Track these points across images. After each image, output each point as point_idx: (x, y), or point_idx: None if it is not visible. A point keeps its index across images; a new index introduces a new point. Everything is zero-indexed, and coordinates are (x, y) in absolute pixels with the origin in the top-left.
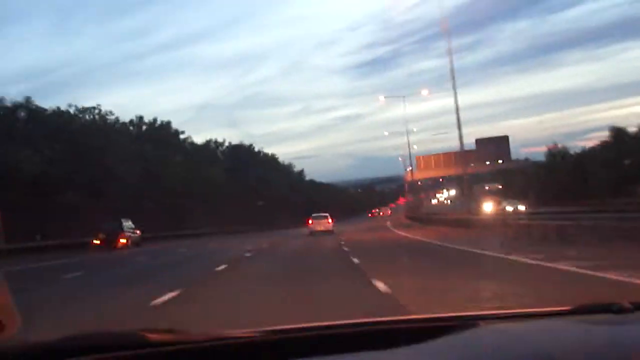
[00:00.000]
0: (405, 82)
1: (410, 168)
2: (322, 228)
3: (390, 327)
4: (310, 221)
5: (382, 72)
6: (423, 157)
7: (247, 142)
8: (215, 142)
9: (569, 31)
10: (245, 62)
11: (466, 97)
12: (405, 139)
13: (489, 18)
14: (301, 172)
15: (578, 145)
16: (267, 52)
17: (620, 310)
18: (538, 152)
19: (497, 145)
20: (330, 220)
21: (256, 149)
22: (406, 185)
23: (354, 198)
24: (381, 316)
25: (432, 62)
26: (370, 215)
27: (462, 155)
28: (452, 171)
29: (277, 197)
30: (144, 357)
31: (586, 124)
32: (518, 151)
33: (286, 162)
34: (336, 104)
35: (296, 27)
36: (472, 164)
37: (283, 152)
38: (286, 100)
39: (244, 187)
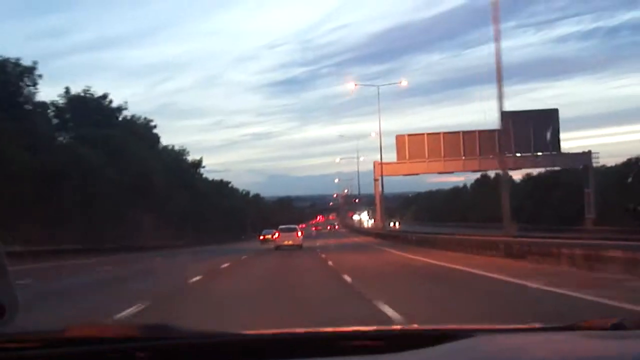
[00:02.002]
0: (319, 104)
1: (380, 163)
2: (290, 242)
3: (388, 335)
4: (277, 234)
5: (297, 93)
6: (409, 137)
7: None
8: None
9: (479, 67)
10: (162, 71)
11: (376, 125)
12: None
13: (404, 48)
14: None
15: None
16: (185, 62)
17: (616, 327)
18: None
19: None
20: (299, 234)
21: None
22: (340, 201)
23: (274, 214)
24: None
25: (346, 87)
26: (314, 229)
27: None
28: (461, 165)
29: (204, 209)
30: (138, 349)
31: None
32: (427, 180)
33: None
34: (249, 121)
35: (216, 41)
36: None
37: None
38: (199, 113)
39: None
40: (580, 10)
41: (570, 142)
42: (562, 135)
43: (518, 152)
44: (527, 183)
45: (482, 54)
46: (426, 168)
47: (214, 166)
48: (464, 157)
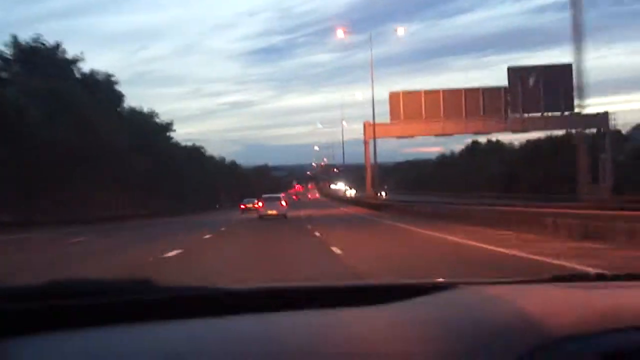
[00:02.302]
0: (298, 73)
1: (372, 123)
2: (274, 211)
3: (370, 287)
4: (260, 203)
5: (275, 61)
6: (404, 94)
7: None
8: None
9: (457, 37)
10: (138, 39)
11: (354, 94)
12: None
13: (383, 17)
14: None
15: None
16: (162, 30)
17: (600, 277)
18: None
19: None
20: (283, 203)
21: None
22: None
23: (251, 182)
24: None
25: (325, 56)
26: (295, 198)
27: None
28: (462, 126)
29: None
30: (122, 304)
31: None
32: (402, 150)
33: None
34: (227, 89)
35: (194, 8)
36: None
37: (181, 137)
38: (177, 81)
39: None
40: None
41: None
42: None
43: (526, 112)
44: (526, 149)
45: (459, 23)
46: (423, 129)
47: (191, 135)
48: (465, 118)
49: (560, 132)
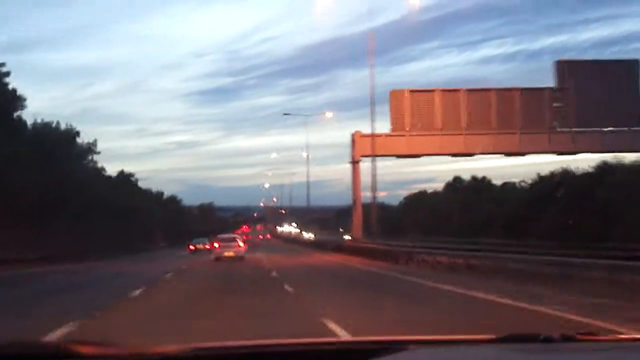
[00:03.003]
0: (246, 116)
1: (370, 134)
2: (231, 253)
3: (321, 348)
4: (216, 244)
5: (223, 103)
6: (412, 93)
7: None
8: None
9: (405, 84)
10: (83, 75)
11: (301, 137)
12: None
13: (331, 63)
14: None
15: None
16: (108, 67)
17: (548, 340)
18: (365, 196)
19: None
20: (242, 244)
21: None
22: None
23: (194, 221)
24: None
25: (274, 99)
26: (245, 237)
27: None
28: (491, 143)
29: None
30: None
31: (416, 175)
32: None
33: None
34: (174, 129)
35: (141, 47)
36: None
37: (115, 171)
38: (122, 119)
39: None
40: (504, 33)
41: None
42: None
43: (580, 126)
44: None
45: (406, 71)
46: (437, 145)
47: (137, 175)
48: (497, 130)
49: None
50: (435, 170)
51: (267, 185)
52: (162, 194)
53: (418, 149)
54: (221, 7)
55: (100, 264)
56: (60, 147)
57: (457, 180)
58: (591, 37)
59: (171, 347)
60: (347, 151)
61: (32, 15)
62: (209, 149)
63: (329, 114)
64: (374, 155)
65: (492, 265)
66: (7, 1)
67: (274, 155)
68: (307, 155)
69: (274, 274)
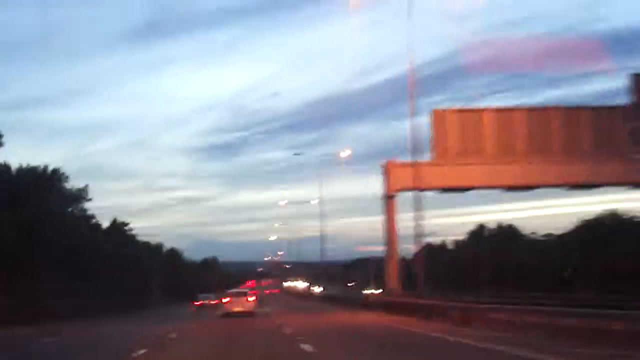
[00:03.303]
0: (250, 171)
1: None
2: (241, 308)
3: None
4: (227, 298)
5: (228, 158)
6: (458, 114)
7: None
8: None
9: (406, 140)
10: (87, 132)
11: (302, 192)
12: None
13: (336, 118)
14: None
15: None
16: (112, 124)
17: None
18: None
19: None
20: (252, 299)
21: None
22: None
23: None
24: None
25: (278, 154)
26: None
27: None
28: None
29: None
30: None
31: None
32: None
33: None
34: (178, 184)
35: (145, 104)
36: None
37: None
38: (127, 175)
39: None
40: (506, 87)
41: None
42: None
43: None
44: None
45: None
46: (488, 175)
47: (139, 229)
48: (561, 157)
49: None
50: (437, 224)
51: (272, 239)
52: (161, 246)
53: (465, 180)
54: (226, 64)
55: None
56: (38, 189)
57: (482, 228)
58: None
59: None
60: (350, 205)
61: (38, 74)
62: (213, 204)
63: (345, 153)
64: (416, 189)
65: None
66: (12, 60)
67: (282, 204)
68: (320, 207)
69: (305, 347)
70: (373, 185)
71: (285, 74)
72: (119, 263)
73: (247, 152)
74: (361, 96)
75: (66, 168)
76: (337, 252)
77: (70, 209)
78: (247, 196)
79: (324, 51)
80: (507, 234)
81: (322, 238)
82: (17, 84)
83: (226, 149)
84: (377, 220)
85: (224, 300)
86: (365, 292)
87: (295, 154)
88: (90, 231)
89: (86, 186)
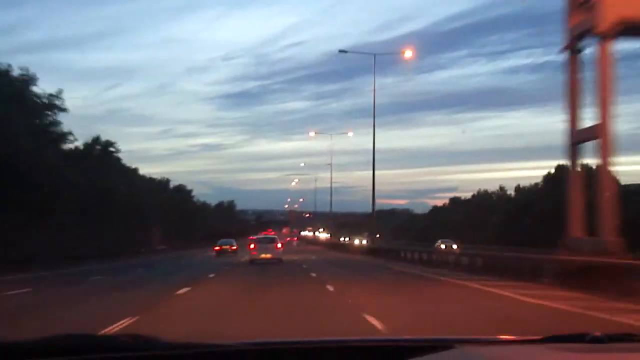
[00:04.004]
0: (271, 120)
1: None
2: (269, 255)
3: (369, 345)
4: (251, 245)
5: (248, 107)
6: None
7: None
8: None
9: (431, 93)
10: (111, 76)
11: (327, 143)
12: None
13: (357, 70)
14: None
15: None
16: (136, 69)
17: (593, 340)
18: (392, 204)
19: None
20: (279, 245)
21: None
22: None
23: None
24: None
25: (299, 104)
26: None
27: None
28: None
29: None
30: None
31: (437, 184)
32: (369, 202)
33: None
34: (199, 132)
35: (168, 49)
36: None
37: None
38: (148, 121)
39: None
40: (531, 44)
41: (513, 172)
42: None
43: None
44: None
45: (433, 79)
46: None
47: (159, 175)
48: None
49: None
50: (455, 180)
51: (292, 187)
52: (167, 181)
53: None
54: (251, 12)
55: None
56: None
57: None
58: (621, 48)
59: (218, 341)
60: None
61: (63, 15)
62: (233, 152)
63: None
64: None
65: None
66: (37, 2)
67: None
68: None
69: None
70: (394, 138)
71: (309, 23)
72: (96, 197)
73: (268, 101)
74: (384, 48)
75: (87, 111)
76: (355, 204)
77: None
78: (267, 145)
79: (349, 2)
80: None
81: (338, 190)
82: (43, 25)
83: (248, 98)
84: (396, 174)
85: (250, 247)
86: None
87: (341, 51)
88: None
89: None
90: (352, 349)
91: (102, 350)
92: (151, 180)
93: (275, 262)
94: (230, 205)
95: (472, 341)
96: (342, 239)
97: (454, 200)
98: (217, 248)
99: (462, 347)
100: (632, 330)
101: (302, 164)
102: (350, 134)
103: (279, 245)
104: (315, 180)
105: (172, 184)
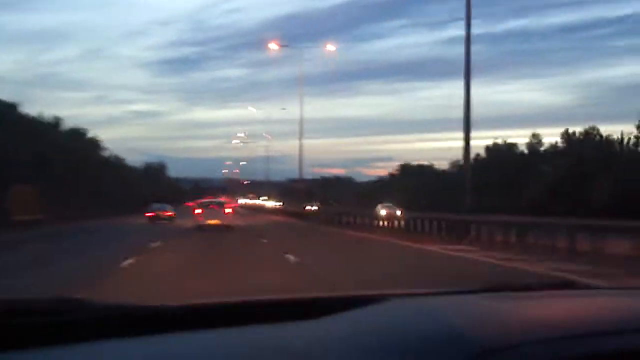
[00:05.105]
0: (207, 87)
1: None
2: (217, 221)
3: (304, 300)
4: (199, 210)
5: (185, 73)
6: None
7: None
8: None
9: (371, 62)
10: (44, 39)
11: (263, 112)
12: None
13: (295, 37)
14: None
15: (364, 172)
16: (69, 32)
17: (525, 288)
18: (330, 172)
19: None
20: (227, 211)
21: None
22: None
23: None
24: (294, 293)
25: (236, 71)
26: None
27: None
28: None
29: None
30: (55, 324)
31: (375, 153)
32: (309, 170)
33: None
34: (134, 98)
35: (104, 13)
36: None
37: None
38: (82, 86)
39: None
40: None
41: (447, 142)
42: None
43: None
44: None
45: (374, 48)
46: None
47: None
48: None
49: None
50: (392, 149)
51: (229, 155)
52: (84, 132)
53: None
54: None
55: None
56: None
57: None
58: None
59: (169, 303)
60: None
61: None
62: (169, 119)
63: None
64: None
65: None
66: None
67: (252, 110)
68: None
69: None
70: (337, 105)
71: None
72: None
73: (205, 68)
74: (323, 16)
75: (19, 75)
76: (292, 172)
77: None
78: (204, 113)
79: None
80: None
81: (276, 158)
82: None
83: (184, 64)
84: (332, 142)
85: (195, 212)
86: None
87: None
88: None
89: None
90: (283, 304)
91: (22, 314)
92: (33, 120)
93: (224, 229)
94: (161, 167)
95: (406, 294)
96: (309, 207)
97: (403, 169)
98: (150, 214)
99: (397, 300)
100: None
101: (243, 134)
102: (285, 109)
103: (227, 210)
104: (257, 148)
105: (67, 126)
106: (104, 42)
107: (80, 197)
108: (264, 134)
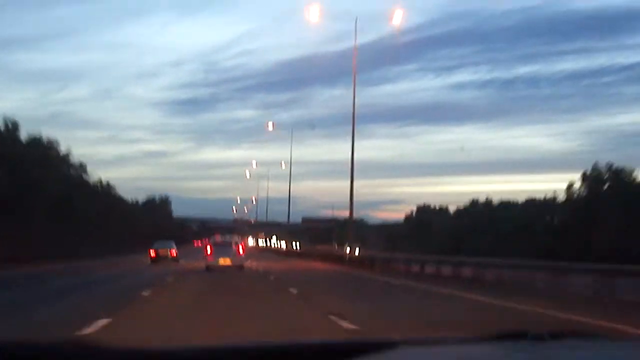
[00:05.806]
0: (218, 128)
1: None
2: (228, 262)
3: (309, 345)
4: (208, 249)
5: (196, 114)
6: None
7: None
8: None
9: (379, 106)
10: (57, 78)
11: (273, 153)
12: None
13: (306, 80)
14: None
15: (372, 214)
16: (82, 72)
17: (536, 338)
18: (336, 215)
19: None
20: (241, 250)
21: None
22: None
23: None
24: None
25: (247, 112)
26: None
27: None
28: None
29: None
30: None
31: (384, 196)
32: (317, 211)
33: None
34: (145, 137)
35: (117, 54)
36: None
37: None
38: (93, 125)
39: None
40: (479, 60)
41: (456, 186)
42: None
43: None
44: None
45: (382, 92)
46: None
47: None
48: None
49: None
50: (404, 192)
51: (237, 196)
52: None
53: None
54: (202, 19)
55: None
56: None
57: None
58: (565, 69)
59: (176, 346)
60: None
61: (8, 14)
62: (179, 159)
63: None
64: None
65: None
66: None
67: (254, 164)
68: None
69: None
70: (342, 150)
71: (260, 32)
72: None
73: (216, 109)
74: (334, 59)
75: (31, 113)
76: (301, 214)
77: None
78: (213, 154)
79: (301, 11)
80: None
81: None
82: None
83: (195, 105)
84: (340, 185)
85: (206, 251)
86: None
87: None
88: None
89: None
90: (292, 350)
91: (38, 357)
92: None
93: (236, 269)
94: (164, 203)
95: (416, 341)
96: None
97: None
98: (152, 253)
99: (406, 348)
100: None
101: (249, 175)
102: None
103: (240, 250)
104: (266, 189)
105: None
106: (116, 82)
107: (68, 233)
108: (281, 164)
